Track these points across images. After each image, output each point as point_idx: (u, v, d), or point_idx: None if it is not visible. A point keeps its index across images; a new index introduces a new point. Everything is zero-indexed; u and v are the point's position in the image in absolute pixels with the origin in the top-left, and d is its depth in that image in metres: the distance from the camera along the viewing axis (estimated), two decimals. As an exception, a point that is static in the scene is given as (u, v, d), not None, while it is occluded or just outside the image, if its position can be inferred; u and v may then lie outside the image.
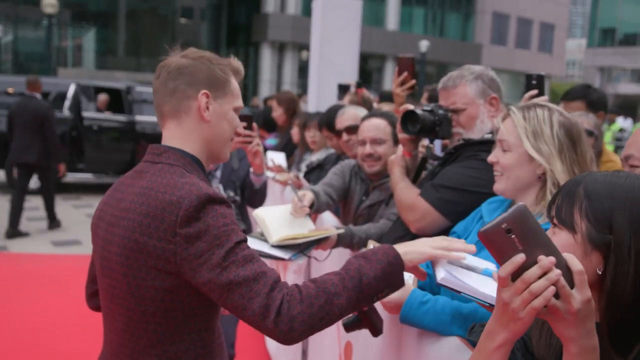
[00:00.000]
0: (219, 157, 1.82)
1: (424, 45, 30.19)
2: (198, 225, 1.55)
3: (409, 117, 2.52)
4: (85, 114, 11.73)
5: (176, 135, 1.74)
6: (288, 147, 5.81)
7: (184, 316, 1.65)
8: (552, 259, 1.10)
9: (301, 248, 2.59)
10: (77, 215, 9.99)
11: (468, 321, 1.80)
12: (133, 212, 1.62)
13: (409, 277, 2.01)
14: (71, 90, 11.57)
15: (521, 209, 1.11)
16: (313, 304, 1.49)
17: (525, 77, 2.65)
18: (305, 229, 2.61)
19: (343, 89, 6.00)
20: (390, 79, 36.58)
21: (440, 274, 1.55)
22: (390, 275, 1.58)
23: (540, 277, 1.10)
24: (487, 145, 2.33)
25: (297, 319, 1.47)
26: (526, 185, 1.97)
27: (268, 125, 7.08)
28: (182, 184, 1.61)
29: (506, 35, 43.47)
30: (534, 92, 2.54)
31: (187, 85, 1.71)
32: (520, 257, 1.11)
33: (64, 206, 9.41)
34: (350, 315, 2.03)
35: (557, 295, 1.10)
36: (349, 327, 2.03)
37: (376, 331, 2.01)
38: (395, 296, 1.88)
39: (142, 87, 12.66)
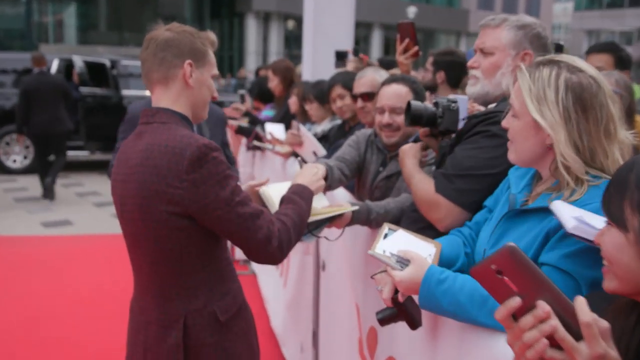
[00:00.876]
0: (200, 117, 2.09)
1: (411, 11, 29.87)
2: (202, 172, 1.81)
3: (408, 109, 2.34)
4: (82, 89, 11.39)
5: (164, 99, 1.99)
6: (286, 118, 5.54)
7: (198, 250, 1.93)
8: (546, 308, 0.98)
9: (310, 227, 2.35)
10: (67, 194, 9.73)
11: (488, 302, 1.52)
12: (141, 166, 1.87)
13: (428, 256, 1.82)
14: (54, 66, 11.20)
15: (509, 248, 0.98)
16: (292, 232, 2.00)
17: (554, 47, 2.48)
18: (317, 205, 2.35)
19: (340, 56, 5.76)
20: (377, 47, 36.25)
21: (571, 223, 1.39)
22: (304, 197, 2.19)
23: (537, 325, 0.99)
24: (494, 115, 2.08)
25: (286, 246, 1.97)
26: (537, 156, 1.71)
27: (264, 96, 6.80)
28: (181, 137, 1.86)
29: (493, 0, 43.04)
30: None
31: (174, 56, 1.96)
32: (514, 302, 1.01)
33: (52, 185, 9.14)
34: (386, 308, 1.83)
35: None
36: (385, 321, 1.83)
37: (414, 324, 1.81)
38: (409, 273, 1.65)
39: (127, 60, 12.26)
